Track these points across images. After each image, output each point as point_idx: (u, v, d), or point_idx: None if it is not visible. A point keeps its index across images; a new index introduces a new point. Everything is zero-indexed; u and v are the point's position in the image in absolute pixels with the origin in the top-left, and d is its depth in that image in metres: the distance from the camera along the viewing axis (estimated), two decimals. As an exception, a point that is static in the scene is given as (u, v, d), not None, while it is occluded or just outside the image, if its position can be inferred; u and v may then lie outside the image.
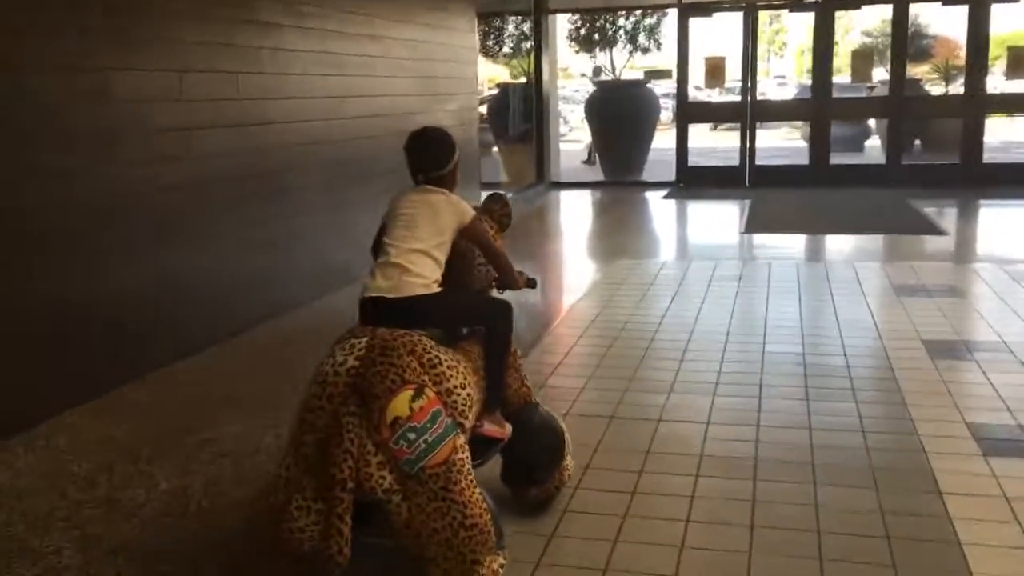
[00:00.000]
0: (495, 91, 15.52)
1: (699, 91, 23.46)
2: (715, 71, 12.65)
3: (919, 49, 22.76)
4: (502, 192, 3.19)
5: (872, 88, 15.36)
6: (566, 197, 12.42)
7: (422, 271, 2.62)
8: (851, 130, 16.06)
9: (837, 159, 12.49)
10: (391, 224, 2.72)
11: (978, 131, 11.84)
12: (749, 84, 12.41)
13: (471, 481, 2.42)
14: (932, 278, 6.37)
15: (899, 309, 5.56)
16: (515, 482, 3.00)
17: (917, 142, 15.68)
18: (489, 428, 2.74)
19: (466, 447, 2.46)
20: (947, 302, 5.66)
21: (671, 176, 12.76)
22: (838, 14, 12.21)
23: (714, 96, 23.74)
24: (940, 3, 12.13)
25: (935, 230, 8.50)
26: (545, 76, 12.16)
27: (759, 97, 12.78)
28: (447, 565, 2.37)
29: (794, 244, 8.29)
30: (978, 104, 11.80)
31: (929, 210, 9.69)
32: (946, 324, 5.16)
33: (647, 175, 13.52)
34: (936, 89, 19.16)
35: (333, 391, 2.36)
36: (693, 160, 13.03)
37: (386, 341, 2.42)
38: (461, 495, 2.36)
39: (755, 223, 9.15)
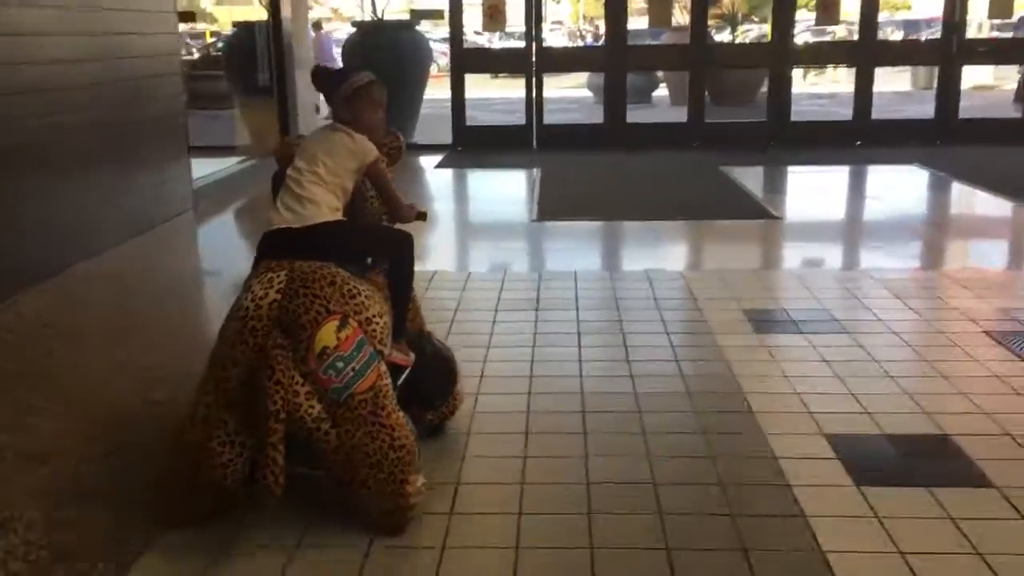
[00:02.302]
0: (234, 31, 12.89)
1: (480, 35, 21.53)
2: (495, 12, 10.66)
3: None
4: (394, 128, 2.96)
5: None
6: (319, 165, 10.11)
7: (327, 200, 2.63)
8: (639, 80, 14.64)
9: (632, 116, 10.91)
10: (296, 159, 2.69)
11: (786, 85, 10.56)
12: (533, 30, 10.53)
13: (395, 405, 2.50)
14: (792, 298, 4.69)
15: (768, 362, 3.80)
16: (411, 408, 2.77)
17: (706, 95, 14.49)
18: (395, 356, 2.75)
19: (388, 373, 2.52)
20: (832, 348, 3.93)
21: (447, 136, 10.75)
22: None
23: (494, 42, 21.90)
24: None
25: (765, 212, 6.95)
26: (286, 14, 9.69)
27: (544, 44, 10.95)
28: (378, 487, 2.43)
29: (601, 239, 6.47)
30: (787, 55, 10.49)
31: (746, 182, 8.20)
32: (848, 398, 3.41)
33: (420, 134, 11.40)
34: (721, 37, 18.20)
35: (256, 325, 2.37)
36: (472, 115, 11.07)
37: (306, 273, 2.44)
38: (388, 418, 2.44)
39: (548, 206, 7.27)
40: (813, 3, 13.97)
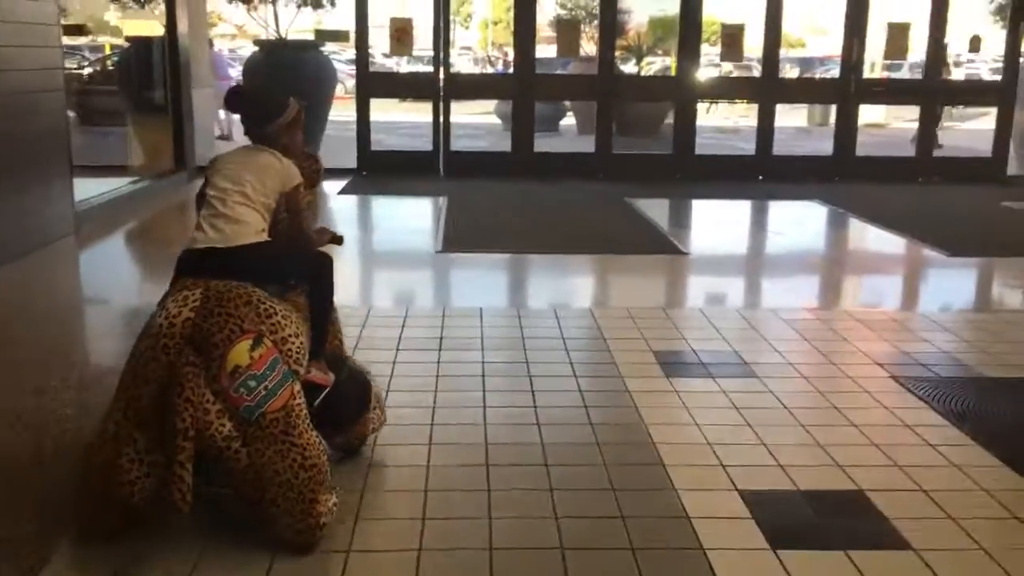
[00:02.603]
0: (129, 46, 12.35)
1: (388, 59, 21.23)
2: (402, 36, 10.47)
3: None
4: (312, 152, 3.06)
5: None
6: (216, 187, 9.71)
7: (253, 221, 2.64)
8: (547, 108, 14.62)
9: (540, 145, 10.85)
10: (215, 179, 2.70)
11: (691, 118, 10.65)
12: (442, 54, 10.38)
13: (308, 425, 2.51)
14: (701, 339, 4.59)
15: (678, 408, 3.68)
16: (320, 429, 2.72)
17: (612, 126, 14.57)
18: (314, 375, 2.77)
19: (301, 393, 2.53)
20: (741, 393, 3.84)
21: (352, 160, 10.47)
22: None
23: (402, 65, 21.64)
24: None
25: (671, 247, 6.91)
26: (182, 29, 9.30)
27: (452, 70, 10.81)
28: (287, 505, 2.44)
29: (508, 273, 6.31)
30: (692, 88, 10.59)
31: (652, 214, 8.18)
32: (760, 449, 3.31)
33: (324, 157, 10.97)
34: (626, 68, 18.38)
35: (168, 343, 2.40)
36: (378, 139, 10.84)
37: (222, 292, 2.47)
38: (300, 438, 2.46)
39: (454, 236, 7.08)
40: (715, 38, 14.25)
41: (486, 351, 4.33)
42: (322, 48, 11.48)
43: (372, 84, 10.59)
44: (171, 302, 2.48)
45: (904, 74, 20.07)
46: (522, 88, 10.46)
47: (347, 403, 2.98)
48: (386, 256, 7.07)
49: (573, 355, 4.31)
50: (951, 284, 6.23)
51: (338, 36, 11.55)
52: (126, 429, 2.41)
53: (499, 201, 8.85)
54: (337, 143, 11.42)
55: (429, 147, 10.56)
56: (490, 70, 28.27)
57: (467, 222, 7.70)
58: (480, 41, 45.93)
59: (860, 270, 6.73)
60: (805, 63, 30.62)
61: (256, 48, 11.40)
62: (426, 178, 10.07)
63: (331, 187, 9.56)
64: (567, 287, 5.93)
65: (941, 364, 4.25)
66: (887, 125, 18.02)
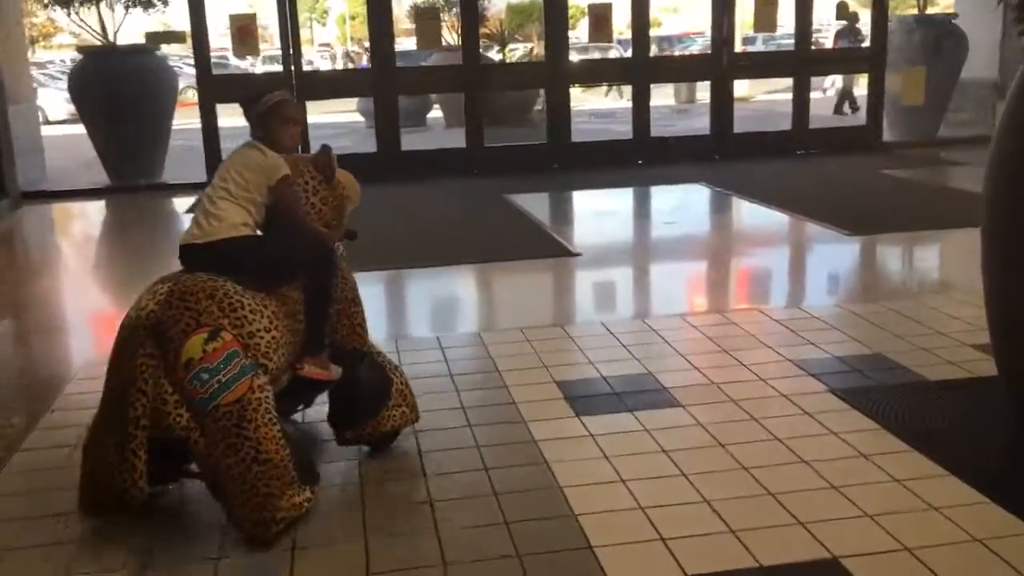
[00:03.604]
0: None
1: (243, 60, 19.97)
2: (244, 34, 9.54)
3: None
4: (328, 144, 3.00)
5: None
6: (46, 215, 8.64)
7: (231, 216, 2.68)
8: (412, 102, 13.85)
9: (408, 141, 10.12)
10: (214, 179, 2.78)
11: (564, 105, 10.10)
12: (292, 51, 9.50)
13: (268, 419, 2.49)
14: (610, 360, 3.98)
15: (598, 460, 3.04)
16: (333, 423, 2.98)
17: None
18: (311, 370, 2.76)
19: (266, 387, 2.53)
20: (669, 431, 3.24)
21: (202, 171, 9.48)
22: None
23: (258, 66, 20.43)
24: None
25: (561, 248, 6.29)
26: (-13, 40, 8.15)
27: (306, 68, 9.95)
28: (241, 498, 2.46)
29: (383, 296, 5.55)
30: (563, 74, 10.04)
31: (535, 211, 7.58)
32: (704, 510, 2.71)
33: (170, 171, 10.07)
34: (491, 55, 17.81)
35: (133, 335, 2.48)
36: (229, 147, 9.82)
37: (186, 287, 2.52)
38: (255, 432, 2.45)
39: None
40: (573, 21, 13.80)
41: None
42: (158, 52, 10.42)
43: (217, 88, 9.60)
44: (144, 295, 2.56)
45: (759, 47, 20.10)
46: (382, 84, 9.69)
47: (357, 399, 2.93)
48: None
49: (464, 397, 3.64)
50: (860, 268, 5.85)
51: (174, 38, 10.49)
52: (109, 417, 2.49)
53: (368, 209, 7.98)
54: (186, 154, 10.42)
55: (287, 153, 9.67)
56: (351, 66, 27.29)
57: (333, 236, 6.91)
58: (339, 37, 44.64)
59: (764, 260, 6.22)
60: (665, 42, 30.69)
61: (80, 56, 10.23)
62: (285, 188, 9.19)
63: (180, 204, 8.64)
64: (450, 307, 5.26)
65: (879, 368, 3.77)
66: (751, 98, 17.98)
